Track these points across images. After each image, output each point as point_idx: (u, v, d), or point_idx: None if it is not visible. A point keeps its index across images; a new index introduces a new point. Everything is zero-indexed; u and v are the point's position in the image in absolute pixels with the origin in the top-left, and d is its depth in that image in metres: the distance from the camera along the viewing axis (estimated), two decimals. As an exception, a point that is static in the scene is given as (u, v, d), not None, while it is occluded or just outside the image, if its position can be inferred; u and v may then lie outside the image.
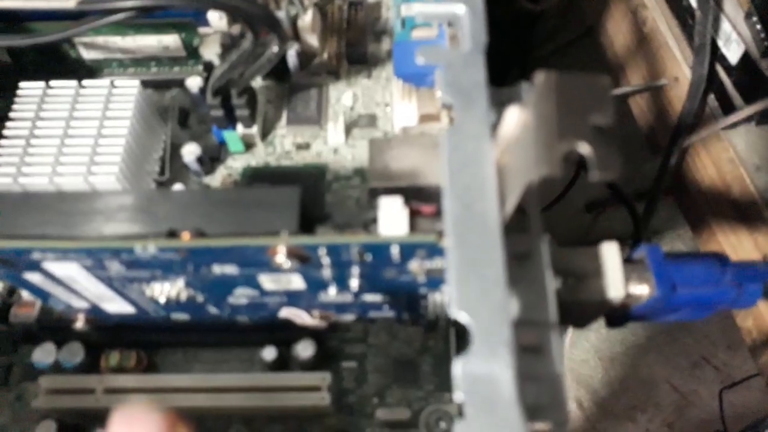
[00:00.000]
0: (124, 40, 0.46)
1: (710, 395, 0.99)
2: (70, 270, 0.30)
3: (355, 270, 0.30)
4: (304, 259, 0.29)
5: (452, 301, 0.23)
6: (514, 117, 0.25)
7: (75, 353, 0.37)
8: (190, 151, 0.43)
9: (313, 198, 0.44)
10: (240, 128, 0.45)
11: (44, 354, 0.37)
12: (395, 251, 0.28)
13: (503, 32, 0.77)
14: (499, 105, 0.27)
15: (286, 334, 0.37)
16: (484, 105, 0.26)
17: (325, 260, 0.29)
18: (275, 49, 0.40)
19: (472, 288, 0.23)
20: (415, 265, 0.30)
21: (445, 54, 0.28)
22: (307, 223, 0.29)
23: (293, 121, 0.47)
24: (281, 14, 0.45)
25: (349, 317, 0.37)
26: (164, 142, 0.46)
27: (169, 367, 0.39)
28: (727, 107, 0.56)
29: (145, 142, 0.43)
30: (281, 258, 0.28)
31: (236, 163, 0.46)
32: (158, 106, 0.48)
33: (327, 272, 0.30)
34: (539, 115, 0.22)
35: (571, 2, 0.81)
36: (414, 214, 0.29)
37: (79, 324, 0.36)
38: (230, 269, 0.30)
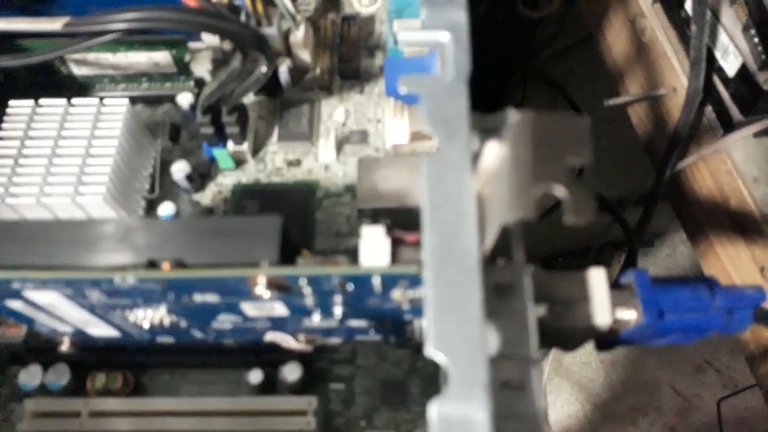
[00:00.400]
0: (116, 57, 0.46)
1: (713, 399, 0.99)
2: (51, 298, 0.30)
3: (338, 298, 0.30)
4: (284, 289, 0.28)
5: (428, 339, 0.23)
6: (495, 150, 0.25)
7: (61, 375, 0.37)
8: (179, 169, 0.43)
9: (303, 215, 0.44)
10: (230, 145, 0.45)
11: (30, 376, 0.37)
12: (377, 282, 0.28)
13: (504, 34, 0.77)
14: (484, 132, 0.26)
15: (274, 355, 0.37)
16: (465, 137, 0.26)
17: (307, 290, 0.29)
18: (263, 69, 0.40)
19: (449, 327, 0.23)
20: (398, 295, 0.29)
21: (428, 83, 0.27)
22: (291, 250, 0.29)
23: (284, 138, 0.47)
24: (273, 30, 0.45)
25: (335, 340, 0.37)
26: (154, 159, 0.46)
27: (157, 388, 0.39)
28: (725, 119, 0.56)
29: (133, 161, 0.43)
30: (261, 289, 0.27)
31: (227, 180, 0.46)
32: (149, 121, 0.48)
33: (309, 300, 0.30)
34: (514, 157, 0.22)
35: (570, 9, 0.81)
36: (397, 243, 0.28)
37: (65, 347, 0.36)
38: (211, 297, 0.30)
